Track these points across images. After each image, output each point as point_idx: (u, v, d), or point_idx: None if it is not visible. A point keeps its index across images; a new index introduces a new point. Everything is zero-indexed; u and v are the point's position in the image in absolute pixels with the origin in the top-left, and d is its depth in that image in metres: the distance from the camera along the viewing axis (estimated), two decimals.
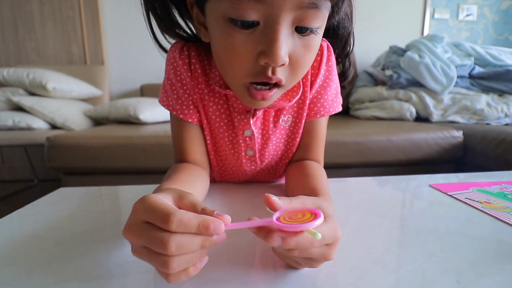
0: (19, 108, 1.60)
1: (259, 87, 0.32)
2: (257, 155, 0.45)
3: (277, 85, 0.32)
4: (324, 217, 0.22)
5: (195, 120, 0.42)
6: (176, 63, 0.41)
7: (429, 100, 1.44)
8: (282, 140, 0.45)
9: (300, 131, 0.44)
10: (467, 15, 2.20)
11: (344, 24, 0.39)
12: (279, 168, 0.49)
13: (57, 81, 1.64)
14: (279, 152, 0.47)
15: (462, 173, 0.57)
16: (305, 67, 0.33)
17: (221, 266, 0.26)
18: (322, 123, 0.45)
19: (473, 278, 0.24)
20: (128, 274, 0.25)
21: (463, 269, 0.25)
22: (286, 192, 0.45)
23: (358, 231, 0.33)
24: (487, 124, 1.35)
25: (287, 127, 0.44)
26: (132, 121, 1.56)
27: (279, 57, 0.28)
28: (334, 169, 1.05)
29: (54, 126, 1.62)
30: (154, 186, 0.50)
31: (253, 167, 0.47)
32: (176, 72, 0.41)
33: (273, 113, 0.43)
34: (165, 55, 0.43)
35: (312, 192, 0.33)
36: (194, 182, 0.38)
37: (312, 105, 0.43)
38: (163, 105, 0.43)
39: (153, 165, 1.07)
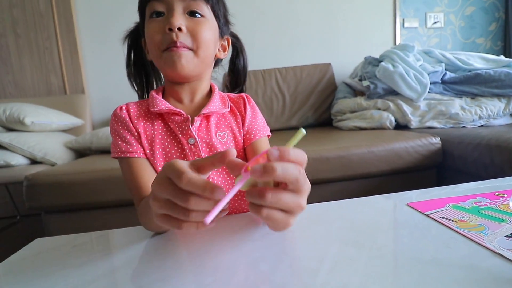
0: None
1: (172, 48, 0.46)
2: None
3: (186, 48, 0.47)
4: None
5: (141, 154, 0.49)
6: (116, 115, 0.51)
7: (406, 108, 1.49)
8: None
9: (241, 149, 0.53)
10: (435, 23, 2.33)
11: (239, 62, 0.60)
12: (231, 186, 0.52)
13: (35, 115, 1.61)
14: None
15: (439, 187, 0.58)
16: (201, 36, 0.47)
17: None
18: (263, 143, 0.54)
19: None
20: None
21: None
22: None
23: (336, 268, 0.33)
24: (463, 127, 1.40)
25: (223, 142, 0.52)
26: None
27: (175, 22, 0.45)
28: (319, 184, 1.06)
29: (34, 161, 1.57)
30: (133, 228, 0.49)
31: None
32: (117, 121, 0.51)
33: (213, 126, 0.52)
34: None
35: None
36: None
37: (248, 132, 0.54)
38: (114, 156, 0.50)
39: (115, 198, 1.05)
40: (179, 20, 0.45)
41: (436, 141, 1.15)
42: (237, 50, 0.60)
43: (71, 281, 0.34)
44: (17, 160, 1.52)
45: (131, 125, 0.50)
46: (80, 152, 1.70)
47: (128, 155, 0.47)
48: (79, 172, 1.08)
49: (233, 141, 0.53)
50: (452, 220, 0.42)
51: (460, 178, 1.13)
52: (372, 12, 2.21)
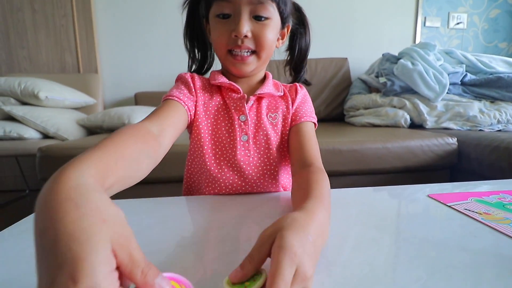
0: (10, 118, 1.57)
1: (235, 51, 0.48)
2: (250, 141, 0.52)
3: (250, 53, 0.49)
4: (278, 248, 0.23)
5: (186, 106, 0.49)
6: (181, 76, 0.55)
7: (423, 107, 1.45)
8: (271, 133, 0.52)
9: (285, 129, 0.54)
10: (458, 23, 2.26)
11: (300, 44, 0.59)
12: (274, 171, 0.53)
13: (49, 90, 1.62)
14: (272, 148, 0.52)
15: (459, 182, 0.57)
16: (265, 40, 0.48)
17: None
18: (309, 128, 0.54)
19: None
20: None
21: (468, 287, 0.25)
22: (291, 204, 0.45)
23: (359, 247, 0.32)
24: (481, 130, 1.37)
25: (274, 123, 0.54)
26: None
27: (241, 30, 0.46)
28: (331, 177, 1.04)
29: (46, 136, 1.59)
30: (145, 200, 0.49)
31: (246, 157, 0.51)
32: (180, 79, 0.54)
33: (264, 107, 0.54)
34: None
35: (302, 198, 0.34)
36: (141, 160, 0.33)
37: (295, 114, 0.55)
38: (164, 99, 0.50)
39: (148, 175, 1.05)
40: (246, 27, 0.46)
41: (453, 141, 1.12)
42: (302, 22, 0.58)
43: None
44: (30, 133, 1.54)
45: (192, 85, 0.52)
46: (91, 130, 1.71)
47: (175, 99, 0.49)
48: (91, 146, 1.09)
49: (283, 123, 0.54)
50: (477, 212, 0.41)
51: (474, 181, 1.10)
52: (393, 8, 2.15)
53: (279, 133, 0.54)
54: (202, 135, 0.51)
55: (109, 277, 0.16)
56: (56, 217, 0.17)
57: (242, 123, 0.52)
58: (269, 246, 0.24)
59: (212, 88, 0.54)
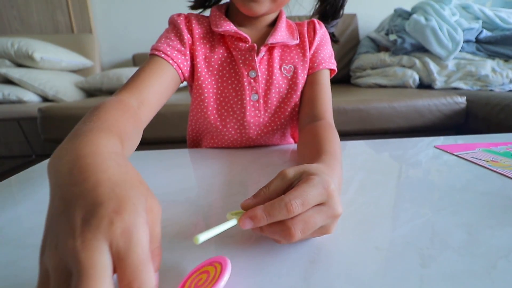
0: (7, 81, 1.54)
1: None
2: (261, 101, 0.46)
3: None
4: (312, 175, 0.21)
5: (175, 64, 0.42)
6: (173, 19, 0.46)
7: (433, 66, 1.39)
8: (285, 90, 0.47)
9: (301, 83, 0.47)
10: None
11: None
12: (285, 130, 0.50)
13: (44, 50, 1.56)
14: (283, 105, 0.48)
15: (466, 135, 0.55)
16: None
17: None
18: (325, 77, 0.48)
19: (483, 229, 0.23)
20: None
21: (473, 222, 0.25)
22: (297, 158, 0.44)
23: (364, 188, 0.32)
24: (491, 90, 1.32)
25: (289, 77, 0.47)
26: None
27: None
28: None
29: (45, 99, 1.57)
30: (150, 152, 0.49)
31: (257, 118, 0.47)
32: (171, 24, 0.46)
33: (277, 59, 0.47)
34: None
35: (315, 154, 0.31)
36: (134, 137, 0.31)
37: (312, 60, 0.48)
38: (150, 52, 0.43)
39: (150, 135, 1.05)
40: None
41: (462, 100, 1.09)
42: None
43: None
44: (29, 96, 1.52)
45: (185, 37, 0.44)
46: (90, 93, 1.68)
47: (161, 55, 0.41)
48: (92, 106, 1.08)
49: (302, 74, 0.47)
50: (484, 160, 0.41)
51: None
52: None
53: (295, 88, 0.47)
54: (206, 95, 0.46)
55: (146, 224, 0.15)
56: (99, 169, 0.17)
57: (252, 80, 0.45)
58: (289, 182, 0.22)
59: (214, 36, 0.46)
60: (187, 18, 0.46)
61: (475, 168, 0.38)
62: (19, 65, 1.60)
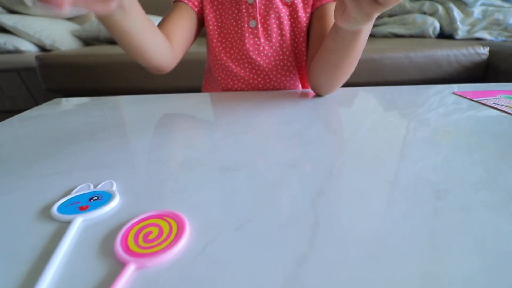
0: (2, 30, 1.46)
1: None
2: (259, 27, 0.46)
3: None
4: None
5: (192, 5, 0.46)
6: None
7: (457, 13, 1.26)
8: (285, 16, 0.46)
9: (301, 12, 0.46)
10: None
11: None
12: (290, 64, 0.48)
13: None
14: (285, 34, 0.46)
15: (486, 83, 0.52)
16: None
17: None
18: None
19: (501, 167, 0.22)
20: (134, 165, 0.24)
21: (491, 160, 0.23)
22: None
23: (375, 128, 0.30)
24: None
25: (289, 3, 0.46)
26: None
27: None
28: (344, 87, 0.99)
29: (43, 49, 1.50)
30: (149, 96, 0.47)
31: (256, 45, 0.47)
32: None
33: None
34: None
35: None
36: (162, 46, 0.40)
37: None
38: (173, 1, 0.47)
39: (152, 85, 1.02)
40: None
41: (484, 51, 1.01)
42: None
43: (97, 126, 0.34)
44: (26, 46, 1.46)
45: None
46: (87, 42, 1.60)
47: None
48: (92, 55, 1.03)
49: (301, 3, 0.46)
50: (506, 105, 0.38)
51: None
52: None
53: (298, 16, 0.46)
54: (210, 26, 0.48)
55: None
56: None
57: (249, 6, 0.45)
58: None
59: None
60: None
61: (495, 113, 0.35)
62: (11, 12, 1.50)
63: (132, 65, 1.00)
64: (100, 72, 1.01)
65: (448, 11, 1.29)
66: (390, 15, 1.48)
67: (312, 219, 0.17)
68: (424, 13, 1.36)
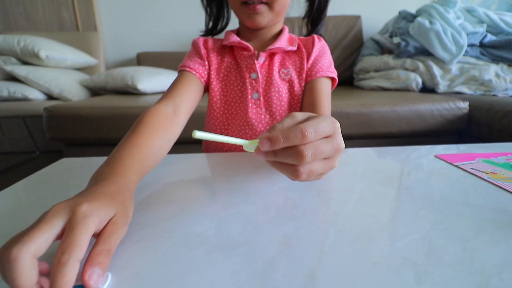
0: (13, 78, 1.56)
1: (249, 5, 0.48)
2: (261, 99, 0.52)
3: (263, 3, 0.47)
4: (316, 116, 0.25)
5: (198, 74, 0.52)
6: (194, 41, 0.56)
7: (436, 70, 1.39)
8: (283, 90, 0.52)
9: (296, 87, 0.53)
10: None
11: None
12: None
13: (50, 49, 1.58)
14: (284, 105, 0.53)
15: (467, 144, 0.56)
16: None
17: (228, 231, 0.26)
18: (323, 84, 0.52)
19: (479, 245, 0.24)
20: (138, 240, 0.26)
21: (469, 237, 0.25)
22: None
23: (363, 200, 0.33)
24: (494, 95, 1.32)
25: (287, 79, 0.53)
26: (130, 91, 1.53)
27: None
28: None
29: (51, 97, 1.58)
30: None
31: (258, 114, 0.52)
32: (193, 45, 0.56)
33: (276, 64, 0.53)
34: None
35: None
36: (163, 147, 0.40)
37: (311, 69, 0.53)
38: (178, 70, 0.53)
39: None
40: None
41: (464, 106, 1.09)
42: None
43: None
44: (34, 94, 1.53)
45: (203, 52, 0.54)
46: (94, 92, 1.69)
47: (187, 69, 0.51)
48: (97, 107, 1.09)
49: (297, 79, 0.53)
50: (483, 172, 0.41)
51: None
52: None
53: (294, 90, 0.53)
54: (215, 96, 0.53)
55: (94, 220, 0.21)
56: (104, 183, 0.27)
57: (253, 81, 0.52)
58: (298, 122, 0.25)
59: (225, 50, 0.55)
60: (205, 39, 0.56)
61: (474, 180, 0.38)
62: (25, 63, 1.61)
63: (136, 117, 1.05)
64: (104, 123, 1.06)
65: (428, 68, 1.41)
66: (376, 70, 1.61)
67: None
68: (407, 69, 1.49)
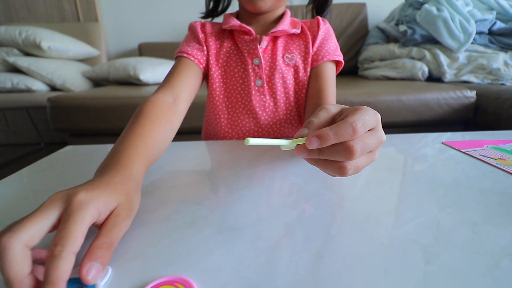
0: (15, 70, 1.56)
1: None
2: (265, 86, 0.50)
3: None
4: (356, 108, 0.24)
5: (196, 60, 0.49)
6: (191, 25, 0.53)
7: (443, 59, 1.36)
8: (288, 76, 0.50)
9: (301, 72, 0.50)
10: None
11: None
12: (293, 118, 0.52)
13: (51, 39, 1.57)
14: (289, 92, 0.51)
15: (474, 131, 0.55)
16: None
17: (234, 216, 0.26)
18: (329, 70, 0.50)
19: (488, 228, 0.24)
20: (144, 223, 0.26)
21: (478, 220, 0.25)
22: None
23: (370, 185, 0.32)
24: (502, 84, 1.29)
25: (291, 64, 0.50)
26: (132, 82, 1.52)
27: None
28: None
29: (53, 88, 1.58)
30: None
31: (262, 102, 0.51)
32: (190, 30, 0.53)
33: (280, 48, 0.50)
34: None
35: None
36: (166, 137, 0.38)
37: (317, 53, 0.51)
38: (175, 56, 0.50)
39: None
40: None
41: (471, 94, 1.07)
42: None
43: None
44: (37, 85, 1.54)
45: (200, 36, 0.51)
46: (97, 82, 1.69)
47: (184, 55, 0.49)
48: (100, 97, 1.09)
49: (302, 64, 0.50)
50: (492, 158, 0.40)
51: None
52: None
53: (299, 76, 0.51)
54: (215, 83, 0.51)
55: (92, 211, 0.20)
56: (108, 174, 0.25)
57: (256, 67, 0.50)
58: (332, 116, 0.24)
59: (224, 34, 0.52)
60: (202, 23, 0.53)
61: (482, 165, 0.38)
62: (27, 54, 1.61)
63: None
64: (107, 113, 1.06)
65: (435, 57, 1.39)
66: (381, 59, 1.58)
67: (312, 285, 0.18)
68: (413, 58, 1.46)
